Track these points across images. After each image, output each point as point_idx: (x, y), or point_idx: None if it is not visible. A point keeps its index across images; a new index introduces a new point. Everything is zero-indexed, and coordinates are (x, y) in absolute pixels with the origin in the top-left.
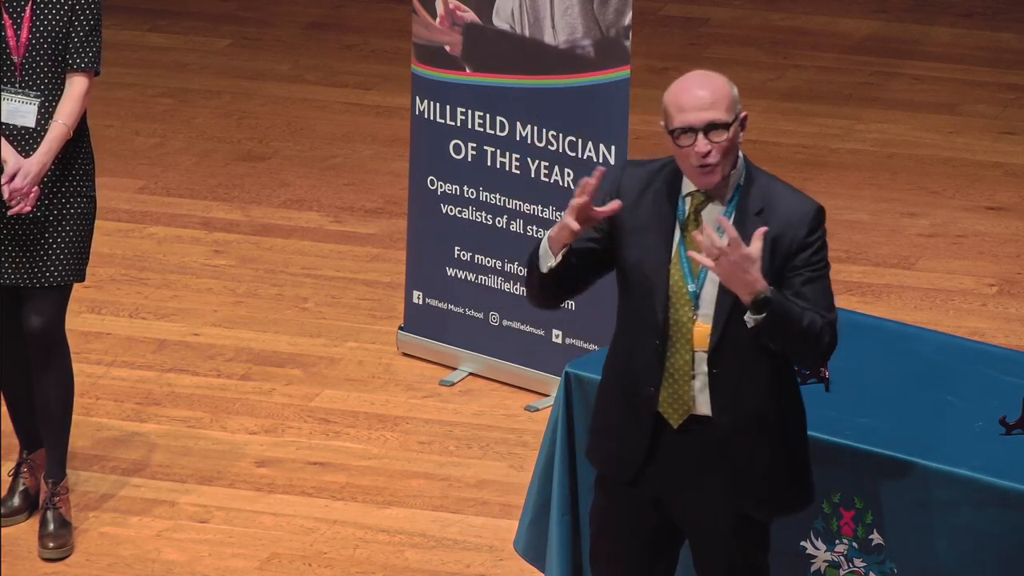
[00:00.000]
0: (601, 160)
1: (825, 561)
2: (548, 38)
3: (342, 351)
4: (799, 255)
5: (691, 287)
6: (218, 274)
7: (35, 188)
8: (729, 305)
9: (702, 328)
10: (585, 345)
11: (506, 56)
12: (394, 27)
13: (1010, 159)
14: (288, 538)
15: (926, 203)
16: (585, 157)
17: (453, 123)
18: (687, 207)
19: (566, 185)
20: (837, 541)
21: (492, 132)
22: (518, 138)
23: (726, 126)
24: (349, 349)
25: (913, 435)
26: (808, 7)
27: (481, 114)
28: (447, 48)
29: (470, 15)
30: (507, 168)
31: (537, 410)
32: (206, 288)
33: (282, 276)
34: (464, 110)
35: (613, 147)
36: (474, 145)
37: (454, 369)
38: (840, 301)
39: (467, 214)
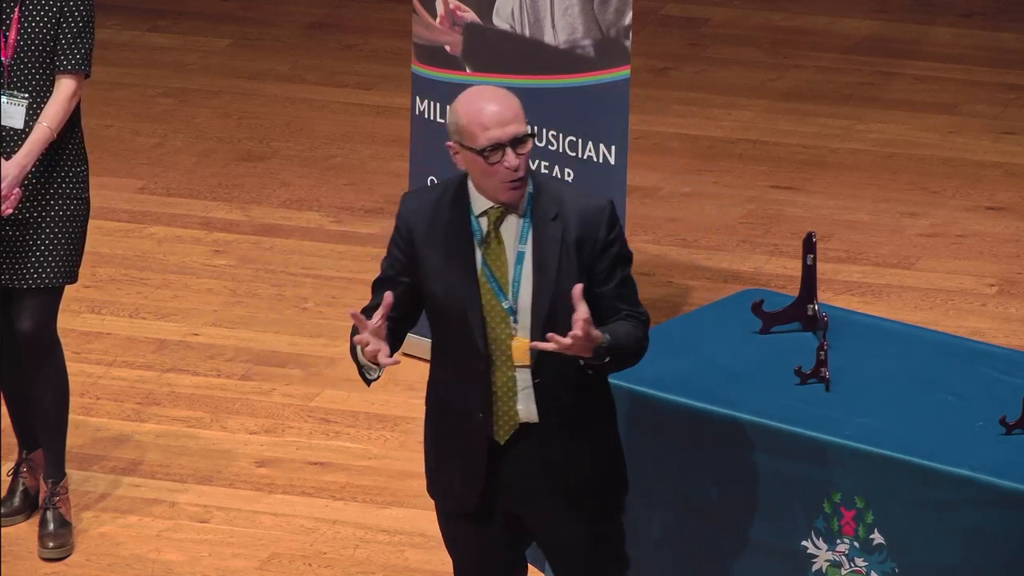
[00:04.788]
0: (601, 160)
1: (827, 560)
2: (548, 38)
3: (342, 351)
4: (604, 254)
5: (505, 304)
6: (218, 274)
7: (16, 190)
8: (544, 313)
9: (520, 343)
10: None
11: (506, 56)
12: (394, 27)
13: (1010, 159)
14: (288, 538)
15: (926, 203)
16: (585, 157)
17: None
18: (484, 226)
19: None
20: (838, 541)
21: None
22: None
23: (529, 137)
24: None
25: (913, 435)
26: (808, 7)
27: None
28: (447, 48)
29: (470, 15)
30: None
31: None
32: (206, 288)
33: (282, 276)
34: None
35: (613, 147)
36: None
37: None
38: (840, 301)
39: None
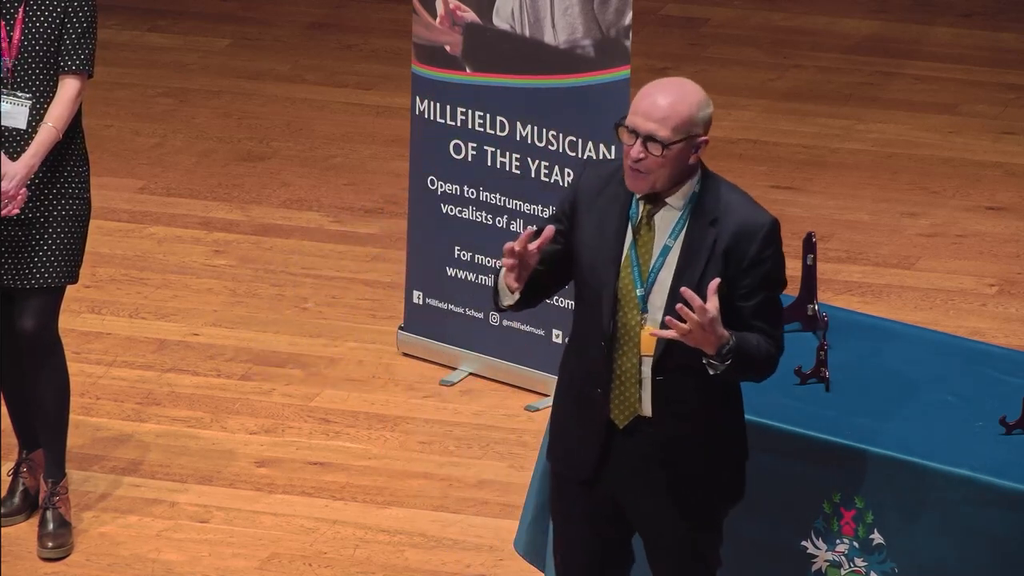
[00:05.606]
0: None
1: (826, 560)
2: (548, 38)
3: (342, 351)
4: (752, 271)
5: (639, 291)
6: (218, 274)
7: (22, 190)
8: (675, 314)
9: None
10: None
11: (506, 56)
12: (394, 27)
13: (1010, 159)
14: (288, 538)
15: (926, 203)
16: (585, 157)
17: (453, 123)
18: (640, 211)
19: (566, 185)
20: (838, 541)
21: (492, 132)
22: (518, 138)
23: (664, 144)
24: (349, 349)
25: (913, 435)
26: (808, 7)
27: (481, 114)
28: (447, 48)
29: (470, 15)
30: (507, 168)
31: (537, 410)
32: (206, 288)
33: (282, 276)
34: (464, 110)
35: (613, 147)
36: (474, 145)
37: (454, 369)
38: (840, 301)
39: (467, 214)
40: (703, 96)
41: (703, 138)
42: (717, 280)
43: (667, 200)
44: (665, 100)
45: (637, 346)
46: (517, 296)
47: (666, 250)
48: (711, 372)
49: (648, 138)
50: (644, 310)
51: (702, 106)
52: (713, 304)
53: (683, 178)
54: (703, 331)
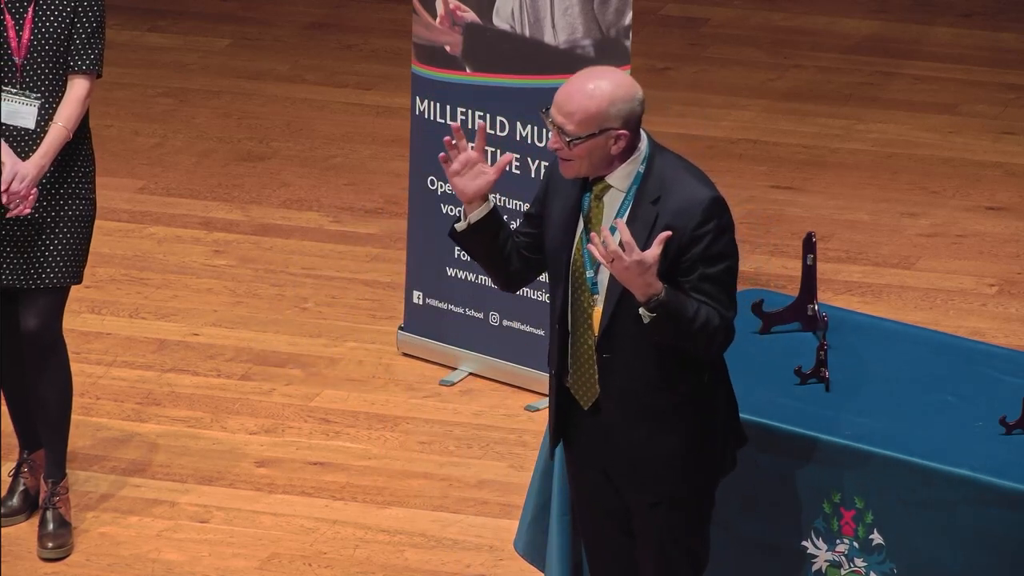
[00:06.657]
0: None
1: (826, 561)
2: (548, 38)
3: (342, 351)
4: (692, 248)
5: (589, 273)
6: (218, 274)
7: (33, 190)
8: (619, 291)
9: (600, 314)
10: None
11: (506, 56)
12: (394, 27)
13: (1010, 159)
14: (288, 538)
15: (926, 203)
16: None
17: (453, 123)
18: (591, 194)
19: None
20: (838, 541)
21: (492, 132)
22: (518, 138)
23: (570, 139)
24: (349, 349)
25: (913, 435)
26: (808, 7)
27: (481, 114)
28: (447, 48)
29: (470, 15)
30: (507, 168)
31: (537, 410)
32: (206, 288)
33: (282, 276)
34: (464, 110)
35: None
36: (474, 145)
37: (454, 369)
38: (840, 301)
39: None
40: (622, 90)
41: (620, 131)
42: (667, 233)
43: (611, 183)
44: (578, 94)
45: (591, 328)
46: (467, 224)
47: (612, 231)
48: (643, 321)
49: (560, 129)
50: (594, 291)
51: (617, 100)
52: (652, 253)
53: (610, 165)
54: (626, 269)
